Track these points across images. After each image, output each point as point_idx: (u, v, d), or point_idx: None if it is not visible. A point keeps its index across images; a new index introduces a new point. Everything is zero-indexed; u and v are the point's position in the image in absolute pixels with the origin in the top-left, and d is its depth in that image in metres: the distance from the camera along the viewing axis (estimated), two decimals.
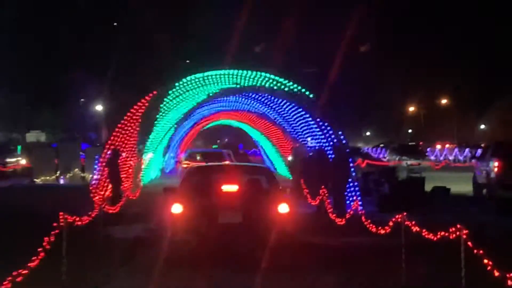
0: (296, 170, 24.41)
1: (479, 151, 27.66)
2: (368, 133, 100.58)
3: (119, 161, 20.06)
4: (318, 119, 22.00)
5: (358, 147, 52.09)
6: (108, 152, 19.65)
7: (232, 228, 11.51)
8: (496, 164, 20.66)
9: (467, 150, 57.43)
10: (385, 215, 14.20)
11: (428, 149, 60.49)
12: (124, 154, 23.14)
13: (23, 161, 37.90)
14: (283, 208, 11.66)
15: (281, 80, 21.97)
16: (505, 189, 19.57)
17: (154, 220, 15.96)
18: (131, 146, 25.01)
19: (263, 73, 22.13)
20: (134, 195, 21.36)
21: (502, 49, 68.60)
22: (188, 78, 23.06)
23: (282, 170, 36.59)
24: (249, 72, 22.35)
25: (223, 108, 35.64)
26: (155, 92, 23.05)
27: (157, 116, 27.74)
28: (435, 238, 8.44)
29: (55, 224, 8.79)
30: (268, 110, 30.19)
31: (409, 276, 9.46)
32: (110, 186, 19.10)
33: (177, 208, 11.64)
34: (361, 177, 23.91)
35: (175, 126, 34.93)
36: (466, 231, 7.38)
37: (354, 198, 18.15)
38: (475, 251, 7.15)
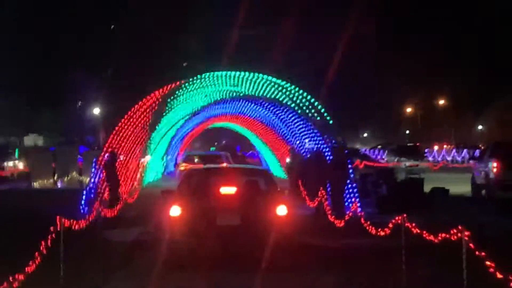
0: (294, 172, 24.34)
1: (477, 151, 27.66)
2: (365, 135, 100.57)
3: (116, 164, 19.97)
4: (316, 120, 21.96)
5: (356, 148, 52.09)
6: (106, 155, 19.57)
7: (231, 230, 11.48)
8: (495, 164, 20.64)
9: (465, 150, 57.43)
10: (384, 217, 14.17)
11: (426, 150, 60.46)
12: (122, 157, 23.05)
13: (20, 165, 37.78)
14: (282, 210, 11.63)
15: (282, 83, 21.99)
16: (504, 190, 19.54)
17: (152, 223, 15.88)
18: (129, 148, 24.94)
19: (265, 76, 22.14)
20: (132, 198, 21.28)
21: (499, 50, 68.63)
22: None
23: (278, 171, 36.61)
24: (251, 74, 22.35)
25: (223, 111, 35.83)
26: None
27: (163, 114, 27.73)
28: (436, 240, 8.36)
29: (51, 228, 8.73)
30: (266, 112, 30.21)
31: (409, 277, 9.39)
32: (108, 189, 19.02)
33: (175, 211, 11.61)
34: (359, 178, 23.84)
35: (177, 127, 35.07)
36: (468, 232, 7.31)
37: (353, 199, 18.09)
38: (477, 252, 7.07)
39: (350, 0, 63.22)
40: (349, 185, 18.60)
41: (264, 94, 24.43)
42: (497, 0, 68.05)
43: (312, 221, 17.03)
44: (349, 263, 11.18)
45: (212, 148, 70.67)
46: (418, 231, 9.01)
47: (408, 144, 60.72)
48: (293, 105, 22.87)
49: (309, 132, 23.80)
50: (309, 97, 21.70)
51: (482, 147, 25.59)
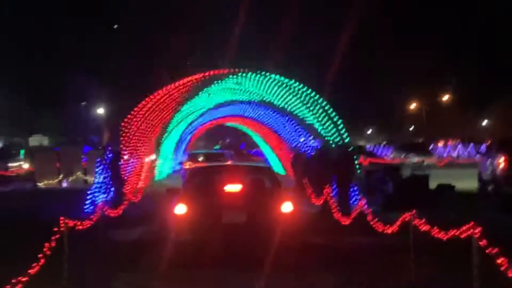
0: (298, 170, 24.25)
1: (483, 147, 27.47)
2: (369, 132, 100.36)
3: (120, 163, 19.91)
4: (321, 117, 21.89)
5: (360, 145, 51.94)
6: (110, 155, 19.50)
7: (236, 228, 11.43)
8: (501, 160, 20.47)
9: (471, 146, 57.23)
10: (390, 214, 14.04)
11: (431, 146, 60.29)
12: (126, 157, 22.98)
13: (25, 165, 37.73)
14: (287, 207, 11.58)
15: (286, 81, 21.96)
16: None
17: (157, 222, 15.81)
18: (133, 147, 24.86)
19: (272, 76, 22.13)
20: (137, 197, 21.19)
21: (504, 46, 68.40)
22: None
23: (279, 169, 36.83)
24: (254, 75, 22.41)
25: (228, 113, 36.27)
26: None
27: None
28: (445, 237, 8.23)
29: (55, 229, 8.64)
30: (270, 114, 30.52)
31: (418, 276, 9.28)
32: (112, 188, 18.96)
33: (180, 209, 11.57)
34: (364, 175, 23.72)
35: (189, 124, 35.42)
36: (479, 229, 7.17)
37: (359, 197, 17.98)
38: (488, 250, 6.92)
39: None
40: (355, 182, 18.51)
41: (271, 92, 24.44)
42: None
43: (318, 219, 16.93)
44: (355, 262, 11.07)
45: (216, 147, 70.65)
46: (427, 228, 8.87)
47: (417, 141, 60.49)
48: (299, 103, 22.81)
49: (313, 129, 23.73)
50: (313, 93, 21.63)
51: (488, 143, 25.37)
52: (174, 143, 39.77)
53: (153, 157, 31.86)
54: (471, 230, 7.31)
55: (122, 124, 22.28)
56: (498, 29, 67.85)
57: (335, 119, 21.52)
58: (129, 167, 24.17)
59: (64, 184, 31.91)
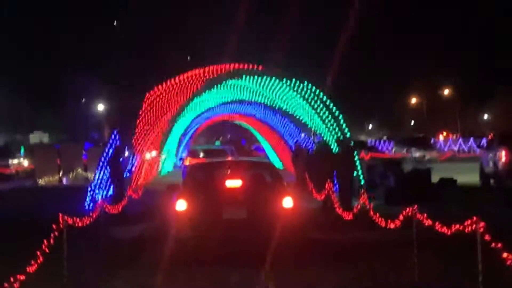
0: (300, 165, 24.17)
1: (484, 140, 27.35)
2: (370, 126, 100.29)
3: (121, 160, 19.82)
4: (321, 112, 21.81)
5: (362, 140, 51.85)
6: (110, 151, 19.41)
7: (237, 223, 11.36)
8: (503, 153, 20.38)
9: (471, 140, 57.15)
10: (392, 208, 13.95)
11: (432, 140, 60.18)
12: (126, 153, 22.91)
13: (25, 163, 37.67)
14: (288, 202, 11.51)
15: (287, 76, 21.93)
16: None
17: (158, 218, 15.73)
18: (134, 144, 24.79)
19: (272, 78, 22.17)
20: (137, 194, 21.10)
21: (504, 39, 68.30)
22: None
23: (278, 164, 36.97)
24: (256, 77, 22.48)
25: (232, 111, 36.54)
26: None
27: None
28: (448, 232, 8.12)
29: (54, 226, 8.56)
30: (271, 112, 30.69)
31: (422, 271, 9.18)
32: (112, 185, 18.88)
33: (181, 205, 11.49)
34: (365, 170, 23.64)
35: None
36: (483, 223, 7.06)
37: (361, 192, 17.89)
38: (493, 244, 6.82)
39: None
40: (357, 177, 18.43)
41: (272, 90, 24.43)
42: None
43: (320, 214, 16.85)
44: (357, 258, 10.97)
45: (217, 143, 70.51)
46: (430, 223, 8.76)
47: (419, 135, 60.30)
48: (298, 97, 22.73)
49: (315, 124, 23.64)
50: (314, 88, 21.54)
51: (489, 136, 25.25)
52: (178, 138, 39.83)
53: (154, 153, 31.78)
54: (475, 225, 7.20)
55: (124, 120, 22.15)
56: (498, 24, 67.74)
57: (336, 114, 21.43)
58: (130, 164, 24.12)
59: (65, 181, 31.83)
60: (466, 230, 7.48)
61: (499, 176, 20.77)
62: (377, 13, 68.91)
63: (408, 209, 9.51)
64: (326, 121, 21.81)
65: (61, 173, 32.21)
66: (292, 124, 29.75)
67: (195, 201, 11.59)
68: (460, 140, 60.18)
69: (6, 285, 7.08)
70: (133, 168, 25.23)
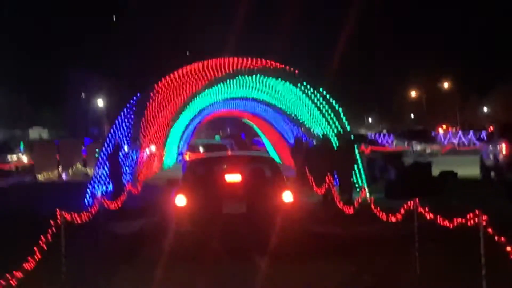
0: (300, 159, 24.08)
1: (484, 133, 27.27)
2: (370, 120, 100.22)
3: (120, 155, 19.75)
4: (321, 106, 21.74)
5: (362, 134, 51.77)
6: (109, 147, 19.34)
7: (237, 218, 11.32)
8: (504, 146, 20.30)
9: (471, 133, 57.07)
10: (393, 202, 13.88)
11: (432, 133, 60.08)
12: (126, 148, 22.82)
13: (24, 158, 37.58)
14: (287, 196, 11.46)
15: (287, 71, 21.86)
16: None
17: (157, 213, 15.65)
18: (133, 139, 24.68)
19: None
20: (137, 189, 21.02)
21: (504, 32, 68.17)
22: None
23: (276, 157, 37.12)
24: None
25: (233, 107, 36.73)
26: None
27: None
28: (451, 225, 8.03)
29: (52, 223, 8.48)
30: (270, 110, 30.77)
31: (423, 265, 9.10)
32: (111, 180, 18.80)
33: (181, 200, 11.44)
34: (366, 164, 23.58)
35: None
36: (486, 217, 6.97)
37: (361, 185, 17.84)
38: (496, 238, 6.72)
39: None
40: (357, 171, 18.37)
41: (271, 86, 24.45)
42: None
43: (320, 208, 16.78)
44: (359, 251, 10.91)
45: (217, 137, 70.42)
46: (432, 216, 8.68)
47: (418, 128, 60.17)
48: (298, 91, 22.67)
49: (314, 118, 23.57)
50: (313, 82, 21.47)
51: (489, 129, 25.19)
52: (180, 133, 39.84)
53: (153, 148, 31.71)
54: (477, 218, 7.11)
55: (122, 114, 22.02)
56: (498, 18, 67.62)
57: (336, 108, 21.34)
58: (130, 159, 24.03)
59: (64, 177, 31.76)
60: (468, 224, 7.39)
61: (499, 168, 20.70)
62: (378, 5, 68.84)
63: (409, 202, 9.43)
64: (326, 115, 21.71)
65: (60, 169, 32.13)
66: (289, 120, 29.73)
67: (195, 196, 11.53)
68: (460, 133, 60.09)
69: (2, 282, 7.01)
70: (136, 163, 25.21)
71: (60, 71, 62.75)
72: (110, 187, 19.08)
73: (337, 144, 19.31)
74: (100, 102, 71.20)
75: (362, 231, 12.85)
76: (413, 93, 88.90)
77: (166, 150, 35.44)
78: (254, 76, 23.84)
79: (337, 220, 14.31)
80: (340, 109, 21.24)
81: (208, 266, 10.06)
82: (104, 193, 18.46)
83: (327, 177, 16.98)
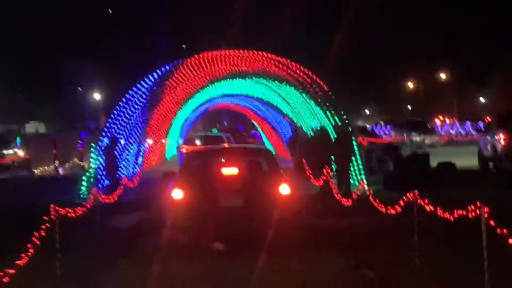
0: (297, 151, 24.00)
1: (480, 123, 27.21)
2: (367, 111, 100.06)
3: (116, 148, 19.64)
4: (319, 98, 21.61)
5: (361, 126, 51.55)
6: (106, 140, 19.22)
7: (234, 211, 11.22)
8: (502, 136, 20.23)
9: (468, 123, 57.01)
10: (391, 194, 13.80)
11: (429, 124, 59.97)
12: (122, 142, 22.72)
13: (21, 153, 37.43)
14: (285, 189, 11.37)
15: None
16: None
17: (154, 207, 15.53)
18: (130, 132, 24.57)
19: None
20: (133, 183, 20.91)
21: (501, 22, 68.04)
22: None
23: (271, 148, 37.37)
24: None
25: (231, 101, 36.85)
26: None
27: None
28: (451, 217, 7.92)
29: (46, 218, 8.36)
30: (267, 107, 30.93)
31: (423, 257, 9.01)
32: (107, 174, 18.70)
33: (177, 194, 11.36)
34: (363, 155, 23.48)
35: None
36: (487, 208, 6.85)
37: (360, 177, 17.75)
38: (498, 230, 6.60)
39: None
40: (355, 162, 18.27)
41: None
42: None
43: (318, 200, 16.68)
44: (357, 244, 10.81)
45: (214, 130, 70.30)
46: (431, 208, 8.56)
47: (417, 119, 59.91)
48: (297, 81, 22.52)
49: (311, 109, 23.44)
50: (311, 74, 21.33)
51: (487, 119, 25.12)
52: (181, 125, 39.82)
53: (150, 141, 31.60)
54: (479, 210, 6.98)
55: (118, 107, 21.87)
56: (496, 7, 67.47)
57: (333, 100, 21.21)
58: (126, 152, 23.93)
59: (61, 171, 31.65)
60: (470, 215, 7.26)
61: (497, 159, 20.65)
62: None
63: (408, 194, 9.33)
64: (324, 106, 21.58)
65: (57, 163, 32.02)
66: (284, 112, 29.69)
67: (192, 190, 11.45)
68: (457, 124, 60.02)
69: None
70: (138, 155, 25.23)
71: (57, 63, 62.51)
72: (106, 181, 18.97)
73: (335, 136, 19.20)
74: (97, 96, 71.05)
75: (361, 223, 12.76)
76: (410, 84, 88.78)
77: (168, 141, 35.78)
78: (254, 77, 24.04)
79: (335, 212, 14.22)
80: (338, 101, 21.12)
81: (205, 260, 9.97)
82: (100, 186, 18.33)
83: (324, 169, 16.88)
